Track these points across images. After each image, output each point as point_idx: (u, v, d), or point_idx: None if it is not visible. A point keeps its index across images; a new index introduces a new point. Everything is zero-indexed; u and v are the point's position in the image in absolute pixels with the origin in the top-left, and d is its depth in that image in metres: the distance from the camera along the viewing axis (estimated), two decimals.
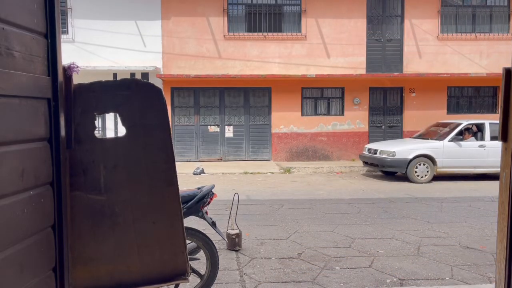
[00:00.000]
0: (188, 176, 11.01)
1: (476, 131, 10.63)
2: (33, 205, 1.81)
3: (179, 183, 2.32)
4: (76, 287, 2.21)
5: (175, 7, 12.98)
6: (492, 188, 9.11)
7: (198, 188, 3.64)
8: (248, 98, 13.64)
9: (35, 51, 1.84)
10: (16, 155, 1.70)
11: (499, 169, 2.78)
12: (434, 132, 11.23)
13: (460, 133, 10.48)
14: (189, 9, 13.03)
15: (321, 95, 13.84)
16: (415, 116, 13.89)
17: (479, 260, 4.58)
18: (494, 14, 13.78)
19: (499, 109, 2.44)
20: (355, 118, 13.76)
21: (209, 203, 3.59)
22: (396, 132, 13.99)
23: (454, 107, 14.14)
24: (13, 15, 1.68)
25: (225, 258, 4.61)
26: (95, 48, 12.74)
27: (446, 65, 13.63)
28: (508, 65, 2.36)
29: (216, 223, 3.69)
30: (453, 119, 12.43)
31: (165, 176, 2.27)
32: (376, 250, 4.90)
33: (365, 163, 11.32)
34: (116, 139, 2.27)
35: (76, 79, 2.15)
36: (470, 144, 10.33)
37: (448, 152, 10.22)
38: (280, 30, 13.35)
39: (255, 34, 13.24)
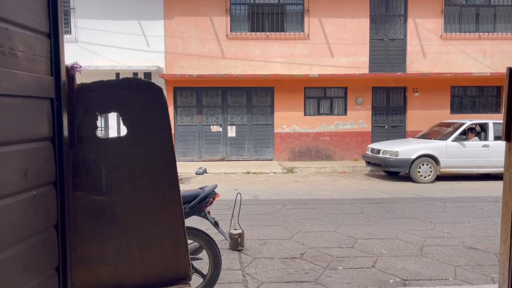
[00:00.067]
0: (191, 176, 11.02)
1: (480, 131, 10.59)
2: (36, 204, 1.81)
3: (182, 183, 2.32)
4: None
5: (178, 7, 12.99)
6: (495, 188, 9.08)
7: (201, 188, 3.64)
8: (251, 98, 13.64)
9: (38, 51, 1.84)
10: (19, 155, 1.70)
11: (502, 169, 2.76)
12: (437, 132, 11.20)
13: (464, 133, 10.44)
14: (192, 9, 13.04)
15: (324, 94, 13.82)
16: (418, 116, 13.85)
17: (483, 260, 4.56)
18: (498, 13, 13.72)
19: (503, 109, 2.43)
20: (358, 118, 13.74)
21: (211, 203, 3.59)
22: (399, 132, 13.96)
23: (457, 106, 14.09)
24: (16, 15, 1.68)
25: (228, 258, 4.61)
26: (97, 48, 12.77)
27: (449, 65, 13.58)
28: None
29: (218, 223, 3.69)
30: (456, 118, 12.39)
31: (166, 177, 2.25)
32: (379, 250, 4.89)
33: (368, 163, 11.30)
34: (117, 139, 2.26)
35: (79, 79, 2.15)
36: (474, 144, 10.29)
37: (452, 152, 10.18)
38: (282, 30, 13.34)
39: (258, 33, 13.23)
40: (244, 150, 13.71)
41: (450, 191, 8.88)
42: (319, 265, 4.41)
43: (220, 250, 3.56)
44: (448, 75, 13.18)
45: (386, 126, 13.97)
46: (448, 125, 11.21)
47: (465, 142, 10.27)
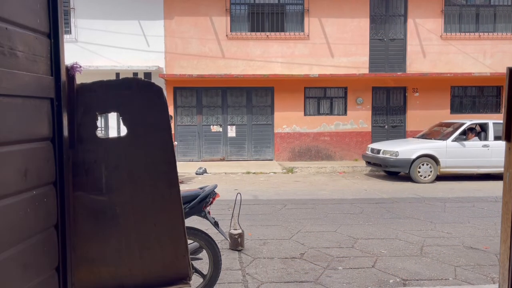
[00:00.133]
0: (191, 176, 11.02)
1: (480, 131, 10.59)
2: (36, 204, 1.81)
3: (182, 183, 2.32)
4: None
5: (178, 7, 12.99)
6: (495, 188, 9.08)
7: (201, 188, 3.64)
8: (251, 98, 13.64)
9: (38, 51, 1.84)
10: (19, 155, 1.70)
11: (502, 169, 2.76)
12: (437, 132, 11.20)
13: (464, 133, 10.44)
14: (192, 9, 13.04)
15: (324, 94, 13.82)
16: (418, 116, 13.85)
17: (483, 260, 4.56)
18: (498, 13, 13.72)
19: (503, 109, 2.43)
20: (358, 118, 13.74)
21: (211, 203, 3.59)
22: (399, 132, 13.96)
23: (457, 106, 14.09)
24: (16, 15, 1.68)
25: (228, 258, 4.61)
26: (97, 48, 12.77)
27: (449, 65, 13.59)
28: None
29: (218, 223, 3.69)
30: (456, 118, 12.39)
31: (165, 177, 2.25)
32: (379, 250, 4.89)
33: (368, 163, 11.30)
34: (117, 139, 2.26)
35: (79, 79, 2.15)
36: (474, 144, 10.29)
37: (452, 152, 10.18)
38: (282, 30, 13.35)
39: (258, 33, 13.24)
40: (244, 150, 13.71)
41: (450, 191, 8.88)
42: (319, 265, 4.41)
43: (220, 250, 3.56)
44: (448, 75, 13.18)
45: (386, 126, 13.97)
46: (448, 125, 11.22)
47: (465, 142, 10.27)
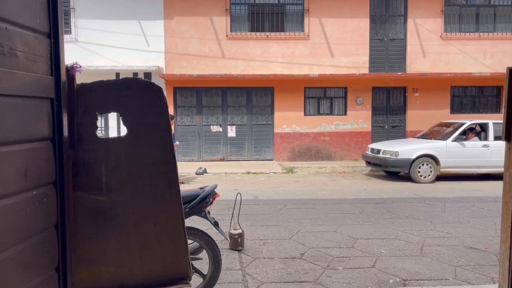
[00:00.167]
0: (191, 176, 11.02)
1: (480, 131, 10.59)
2: (36, 204, 1.81)
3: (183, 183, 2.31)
4: None
5: (178, 7, 12.99)
6: (495, 188, 9.08)
7: (201, 188, 3.64)
8: (251, 98, 13.64)
9: (38, 51, 1.84)
10: (19, 155, 1.70)
11: (502, 169, 2.76)
12: (437, 132, 11.20)
13: (464, 133, 10.44)
14: (192, 9, 13.04)
15: (324, 94, 13.82)
16: (418, 116, 13.85)
17: (483, 260, 4.56)
18: (498, 13, 13.73)
19: (503, 109, 2.43)
20: (358, 118, 13.74)
21: (211, 203, 3.59)
22: (399, 132, 13.96)
23: (457, 106, 14.09)
24: (16, 15, 1.68)
25: (228, 258, 4.61)
26: (97, 48, 12.77)
27: (449, 65, 13.59)
28: None
29: (218, 223, 3.69)
30: (456, 118, 12.39)
31: (165, 177, 2.25)
32: (379, 250, 4.89)
33: (368, 163, 11.30)
34: (117, 139, 2.26)
35: (79, 79, 2.15)
36: (474, 144, 10.29)
37: (452, 152, 10.18)
38: (282, 30, 13.35)
39: (258, 33, 13.24)
40: (244, 150, 13.71)
41: (450, 191, 8.88)
42: (319, 265, 4.41)
43: (220, 250, 3.56)
44: (448, 75, 13.18)
45: (386, 126, 13.97)
46: (448, 125, 11.22)
47: (465, 142, 10.27)
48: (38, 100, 1.84)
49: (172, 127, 9.76)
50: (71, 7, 12.61)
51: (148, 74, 12.78)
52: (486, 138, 10.36)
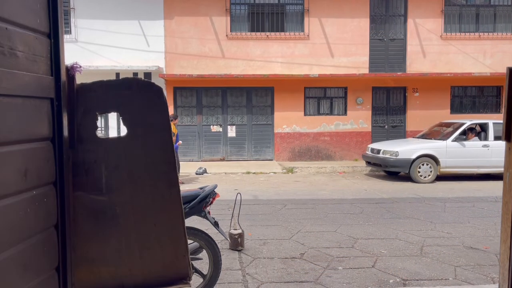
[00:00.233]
0: (191, 176, 11.02)
1: (480, 131, 10.59)
2: (36, 204, 1.81)
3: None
4: None
5: (178, 6, 12.99)
6: (495, 188, 9.08)
7: (201, 188, 3.64)
8: (251, 98, 13.64)
9: (38, 51, 1.84)
10: (19, 155, 1.70)
11: (502, 169, 2.76)
12: (437, 132, 11.20)
13: (464, 133, 10.44)
14: (192, 9, 13.04)
15: (324, 94, 13.82)
16: (418, 116, 13.85)
17: (483, 260, 4.56)
18: (498, 13, 13.73)
19: (503, 109, 2.43)
20: (358, 118, 13.74)
21: (211, 203, 3.59)
22: (399, 132, 13.96)
23: (457, 106, 14.09)
24: (16, 15, 1.68)
25: (228, 258, 4.61)
26: (97, 48, 12.77)
27: (449, 65, 13.59)
28: None
29: (218, 223, 3.69)
30: (456, 118, 12.39)
31: (165, 177, 2.25)
32: (379, 250, 4.89)
33: (368, 163, 11.30)
34: (117, 139, 2.26)
35: (79, 79, 2.15)
36: (474, 144, 10.29)
37: (452, 152, 10.18)
38: (282, 30, 13.35)
39: (258, 33, 13.24)
40: (244, 150, 13.71)
41: (450, 191, 8.87)
42: (319, 265, 4.41)
43: (220, 250, 3.56)
44: (448, 75, 13.18)
45: (386, 126, 13.97)
46: (448, 125, 11.22)
47: (465, 142, 10.27)
48: (38, 100, 1.84)
49: (175, 126, 9.77)
50: (71, 7, 12.61)
51: (148, 74, 12.78)
52: (486, 138, 10.36)
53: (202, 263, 3.74)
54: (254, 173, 11.45)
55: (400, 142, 11.34)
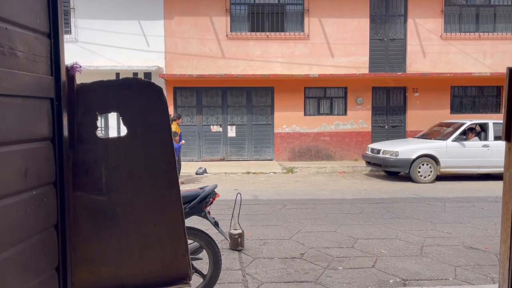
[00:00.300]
0: (191, 176, 11.02)
1: (480, 131, 10.59)
2: (36, 204, 1.81)
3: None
4: None
5: (178, 7, 12.99)
6: (495, 188, 9.08)
7: (201, 188, 3.64)
8: (251, 98, 13.64)
9: (38, 51, 1.84)
10: (19, 155, 1.70)
11: (502, 169, 2.76)
12: (437, 132, 11.20)
13: (464, 133, 10.44)
14: (192, 9, 13.04)
15: (324, 94, 13.82)
16: (418, 116, 13.85)
17: (483, 260, 4.56)
18: (498, 13, 13.73)
19: (503, 109, 2.43)
20: (358, 118, 13.74)
21: (211, 203, 3.59)
22: (399, 132, 13.96)
23: (457, 106, 14.09)
24: (16, 15, 1.68)
25: (228, 258, 4.61)
26: (98, 48, 12.77)
27: (449, 65, 13.59)
28: None
29: (218, 223, 3.69)
30: (456, 119, 12.39)
31: (166, 177, 2.25)
32: (379, 250, 4.89)
33: (368, 163, 11.30)
34: (117, 139, 2.26)
35: (79, 79, 2.15)
36: (474, 144, 10.29)
37: (452, 152, 10.18)
38: (283, 30, 13.35)
39: (258, 33, 13.24)
40: (244, 150, 13.71)
41: (450, 191, 8.88)
42: (319, 265, 4.41)
43: (220, 250, 3.56)
44: (448, 75, 13.18)
45: (386, 126, 13.97)
46: (448, 125, 11.22)
47: (465, 142, 10.27)
48: (38, 100, 1.84)
49: (177, 127, 9.78)
50: (71, 7, 12.61)
51: (148, 74, 12.78)
52: (486, 138, 10.36)
53: (202, 263, 3.74)
54: (254, 173, 11.45)
55: (400, 142, 11.34)
